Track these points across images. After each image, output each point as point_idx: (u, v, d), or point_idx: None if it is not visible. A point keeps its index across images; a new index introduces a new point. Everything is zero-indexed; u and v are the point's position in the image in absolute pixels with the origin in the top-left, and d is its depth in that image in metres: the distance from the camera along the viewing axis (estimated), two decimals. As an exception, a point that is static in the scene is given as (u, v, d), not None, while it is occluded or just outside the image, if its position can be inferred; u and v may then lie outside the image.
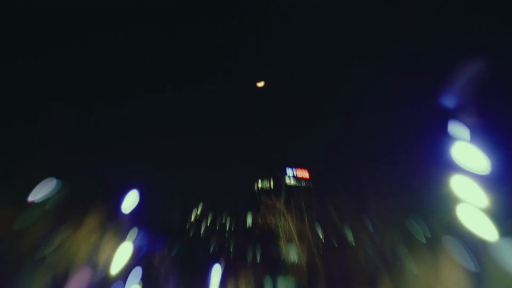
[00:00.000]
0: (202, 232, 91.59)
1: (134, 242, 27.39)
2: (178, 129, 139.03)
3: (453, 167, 16.46)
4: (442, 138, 17.17)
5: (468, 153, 16.09)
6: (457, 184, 16.39)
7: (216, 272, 47.39)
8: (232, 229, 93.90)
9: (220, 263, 51.52)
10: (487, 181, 15.60)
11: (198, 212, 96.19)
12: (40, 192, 23.72)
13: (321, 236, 35.35)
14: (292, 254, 36.73)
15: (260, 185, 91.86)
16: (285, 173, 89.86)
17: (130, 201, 24.53)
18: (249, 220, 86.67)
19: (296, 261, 35.83)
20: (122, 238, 25.38)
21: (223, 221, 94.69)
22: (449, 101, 17.70)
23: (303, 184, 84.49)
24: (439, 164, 18.17)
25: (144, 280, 36.46)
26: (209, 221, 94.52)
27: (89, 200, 26.82)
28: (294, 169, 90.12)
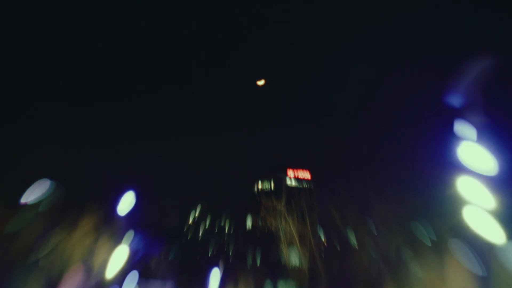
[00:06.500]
0: (200, 234, 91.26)
1: (130, 245, 27.16)
2: (176, 130, 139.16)
3: (459, 168, 16.21)
4: (448, 138, 16.95)
5: (474, 153, 15.85)
6: (464, 185, 16.17)
7: (215, 276, 46.99)
8: (232, 231, 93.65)
9: (218, 266, 51.10)
10: (494, 182, 15.34)
11: (197, 214, 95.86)
12: (33, 194, 23.51)
13: (323, 238, 34.97)
14: (293, 257, 36.35)
15: (260, 186, 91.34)
16: (286, 174, 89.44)
17: (126, 202, 24.38)
18: (249, 223, 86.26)
19: (298, 264, 35.48)
20: (117, 241, 25.14)
21: (222, 224, 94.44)
22: (455, 101, 17.46)
23: (305, 185, 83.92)
24: (445, 164, 17.93)
25: (141, 284, 36.09)
26: (207, 223, 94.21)
27: (84, 202, 26.62)
28: (295, 170, 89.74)
